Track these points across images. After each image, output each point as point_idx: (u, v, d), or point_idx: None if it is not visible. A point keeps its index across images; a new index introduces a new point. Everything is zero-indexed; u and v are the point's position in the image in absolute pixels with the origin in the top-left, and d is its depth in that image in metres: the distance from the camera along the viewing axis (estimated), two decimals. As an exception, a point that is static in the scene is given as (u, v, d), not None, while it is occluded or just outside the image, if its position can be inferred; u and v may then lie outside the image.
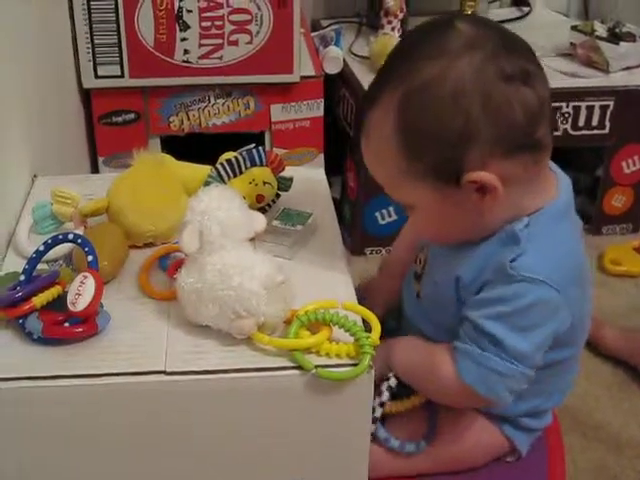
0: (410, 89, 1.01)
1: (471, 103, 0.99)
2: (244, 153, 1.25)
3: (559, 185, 1.13)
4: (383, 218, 2.28)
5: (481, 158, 1.01)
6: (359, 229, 2.30)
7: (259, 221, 1.09)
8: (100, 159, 2.12)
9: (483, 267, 1.09)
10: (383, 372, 1.14)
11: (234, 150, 1.28)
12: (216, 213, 1.02)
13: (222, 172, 1.23)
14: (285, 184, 1.28)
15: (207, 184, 1.18)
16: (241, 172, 1.24)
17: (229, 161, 1.24)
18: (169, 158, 1.28)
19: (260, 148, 1.25)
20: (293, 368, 1.00)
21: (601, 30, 2.30)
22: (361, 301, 1.12)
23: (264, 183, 1.23)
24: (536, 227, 1.07)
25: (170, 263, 1.14)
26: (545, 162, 1.09)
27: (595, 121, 2.25)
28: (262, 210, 1.23)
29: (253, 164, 1.24)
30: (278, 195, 1.28)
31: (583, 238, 1.17)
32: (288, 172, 1.30)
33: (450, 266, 1.13)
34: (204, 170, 1.25)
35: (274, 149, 2.11)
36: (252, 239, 1.08)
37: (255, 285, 0.99)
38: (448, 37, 1.02)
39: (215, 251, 1.02)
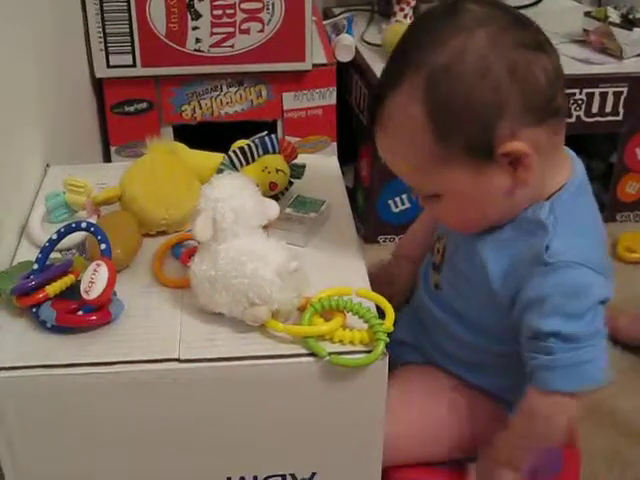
0: (433, 70, 1.00)
1: (497, 72, 0.99)
2: (257, 141, 1.25)
3: (573, 163, 1.13)
4: (396, 206, 2.27)
5: (511, 128, 1.01)
6: (372, 217, 2.30)
7: (272, 208, 1.08)
8: (112, 148, 2.12)
9: (517, 260, 1.08)
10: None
11: (246, 139, 1.27)
12: (229, 201, 1.02)
13: (235, 160, 1.23)
14: (298, 171, 1.28)
15: (220, 172, 1.18)
16: (254, 160, 1.23)
17: (242, 149, 1.24)
18: (182, 146, 1.28)
19: (273, 136, 1.25)
20: (307, 355, 1.00)
21: (614, 16, 2.29)
22: (375, 288, 1.12)
23: (277, 170, 1.23)
24: (560, 210, 1.07)
25: (183, 251, 1.14)
26: (563, 133, 1.09)
27: (609, 107, 2.23)
28: (275, 198, 1.22)
29: (266, 152, 1.24)
30: (291, 183, 1.28)
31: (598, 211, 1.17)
32: (301, 160, 1.29)
33: (476, 254, 1.12)
34: (217, 158, 1.25)
35: (286, 137, 2.11)
36: (265, 227, 1.08)
37: (269, 272, 0.99)
38: (459, 16, 1.02)
39: (228, 239, 1.02)
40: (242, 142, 1.26)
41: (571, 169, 1.12)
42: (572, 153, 1.15)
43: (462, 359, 1.19)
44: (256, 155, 1.23)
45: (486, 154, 1.02)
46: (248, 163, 1.23)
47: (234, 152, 1.24)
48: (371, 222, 2.31)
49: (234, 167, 1.22)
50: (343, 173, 1.38)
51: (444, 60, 1.00)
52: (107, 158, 2.12)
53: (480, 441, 1.22)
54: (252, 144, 1.24)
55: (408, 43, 1.07)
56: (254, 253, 1.00)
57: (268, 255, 1.01)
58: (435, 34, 1.03)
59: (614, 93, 2.21)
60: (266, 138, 1.24)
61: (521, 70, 1.00)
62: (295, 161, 1.27)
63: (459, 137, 1.02)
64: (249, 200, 1.04)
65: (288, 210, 1.22)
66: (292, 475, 1.09)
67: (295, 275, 1.02)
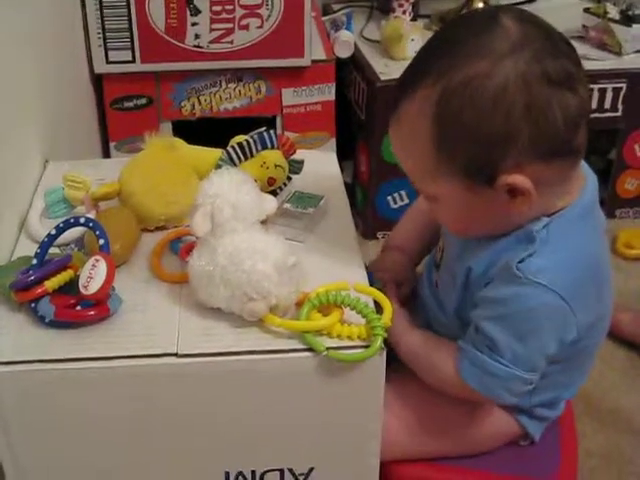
0: (451, 85, 0.98)
1: (513, 105, 0.97)
2: (255, 136, 1.24)
3: (585, 184, 1.10)
4: (395, 202, 2.28)
5: (517, 161, 0.99)
6: (371, 213, 2.30)
7: (270, 203, 1.08)
8: (112, 144, 2.12)
9: (494, 261, 1.08)
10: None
11: (245, 134, 1.27)
12: (227, 196, 1.02)
13: (233, 155, 1.23)
14: (296, 167, 1.28)
15: (218, 167, 1.19)
16: (252, 155, 1.23)
17: (240, 144, 1.24)
18: (180, 142, 1.28)
19: (271, 131, 1.25)
20: (305, 350, 1.00)
21: (614, 12, 2.29)
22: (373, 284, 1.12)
23: (275, 166, 1.23)
24: (556, 230, 1.06)
25: (182, 246, 1.14)
26: (577, 167, 1.07)
27: (608, 104, 2.24)
28: (273, 193, 1.23)
29: (264, 147, 1.24)
30: (289, 178, 1.28)
31: (605, 235, 1.15)
32: (299, 155, 1.29)
33: (464, 258, 1.12)
34: (215, 153, 1.25)
35: (285, 133, 2.11)
36: (264, 222, 1.08)
37: (267, 267, 0.99)
38: (493, 34, 0.99)
39: (226, 234, 1.02)
40: (241, 138, 1.26)
41: (580, 191, 1.09)
42: (587, 168, 1.13)
43: None
44: (255, 151, 1.23)
45: (485, 179, 1.01)
46: (247, 159, 1.23)
47: (232, 148, 1.24)
48: (370, 218, 2.31)
49: (232, 162, 1.22)
50: (342, 169, 1.38)
51: (464, 78, 0.98)
52: (106, 154, 2.12)
53: (477, 438, 1.22)
54: (251, 140, 1.24)
55: (436, 50, 1.05)
56: (252, 248, 1.00)
57: (266, 250, 1.01)
58: (465, 48, 1.00)
59: (613, 89, 2.22)
60: (265, 134, 1.24)
61: (539, 107, 0.97)
62: (294, 157, 1.27)
63: (460, 156, 1.01)
64: (247, 195, 1.04)
65: (286, 205, 1.22)
66: (290, 470, 1.09)
67: (293, 270, 1.02)
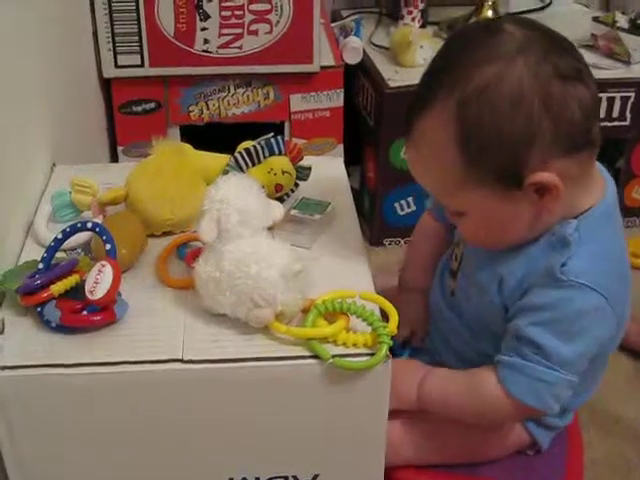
0: (466, 95, 0.99)
1: (531, 104, 0.98)
2: (263, 142, 1.24)
3: (606, 185, 1.12)
4: (402, 209, 2.28)
5: (542, 159, 1.00)
6: (378, 220, 2.30)
7: (277, 210, 1.08)
8: (119, 148, 2.13)
9: (529, 270, 1.08)
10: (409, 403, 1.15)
11: (253, 139, 1.27)
12: (234, 202, 1.02)
13: (240, 161, 1.23)
14: (303, 173, 1.28)
15: (226, 173, 1.19)
16: (260, 161, 1.23)
17: (247, 150, 1.23)
18: (188, 147, 1.28)
19: (279, 137, 1.25)
20: (310, 357, 1.00)
21: (622, 21, 2.29)
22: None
23: (283, 172, 1.23)
24: (585, 230, 1.06)
25: (188, 252, 1.14)
26: (595, 159, 1.08)
27: (616, 112, 2.23)
28: (280, 199, 1.23)
29: (272, 153, 1.24)
30: (297, 184, 1.28)
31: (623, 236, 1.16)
32: (307, 161, 1.29)
33: (494, 267, 1.12)
34: (223, 159, 1.25)
35: (293, 139, 2.11)
36: (271, 228, 1.08)
37: (273, 274, 0.99)
38: (499, 40, 1.01)
39: (233, 239, 1.02)
40: (248, 143, 1.26)
41: (603, 191, 1.10)
42: (606, 174, 1.14)
43: (473, 363, 1.19)
44: (262, 157, 1.23)
45: (514, 182, 1.02)
46: (254, 164, 1.23)
47: (240, 153, 1.23)
48: (377, 225, 2.31)
49: (240, 168, 1.22)
50: (349, 175, 1.38)
51: (479, 86, 0.99)
52: (114, 158, 2.12)
53: (485, 446, 1.22)
54: (258, 146, 1.24)
55: (444, 61, 1.06)
56: (258, 254, 1.00)
57: (272, 256, 1.01)
58: (473, 57, 1.01)
59: (621, 98, 2.21)
60: (272, 140, 1.24)
61: (556, 102, 0.99)
62: (301, 163, 1.27)
63: (488, 163, 1.01)
64: (254, 201, 1.04)
65: (293, 212, 1.22)
66: (294, 477, 1.09)
67: (299, 277, 1.02)
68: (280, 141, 1.24)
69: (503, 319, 1.12)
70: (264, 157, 1.23)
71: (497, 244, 1.12)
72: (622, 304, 1.10)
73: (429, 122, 1.03)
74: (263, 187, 1.10)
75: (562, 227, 1.07)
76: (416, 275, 1.36)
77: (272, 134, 1.26)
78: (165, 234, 1.20)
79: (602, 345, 1.09)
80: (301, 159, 1.27)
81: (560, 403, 1.10)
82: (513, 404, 1.09)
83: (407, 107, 1.07)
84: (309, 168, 1.28)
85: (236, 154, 1.24)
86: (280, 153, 1.24)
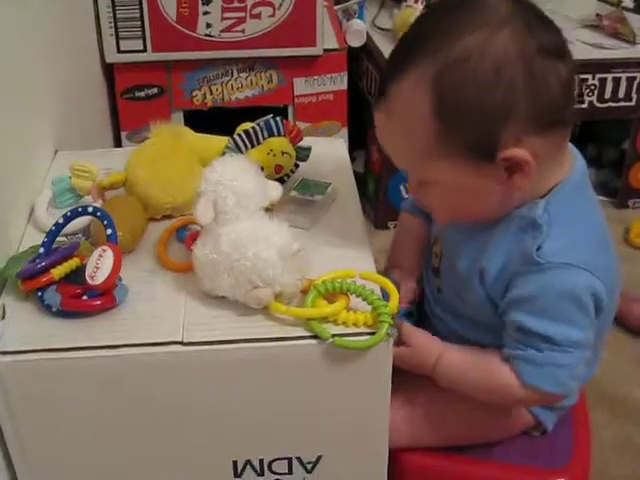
0: (447, 62, 0.98)
1: (513, 77, 0.97)
2: (262, 123, 1.24)
3: (574, 160, 1.11)
4: (407, 191, 2.27)
5: (516, 134, 0.99)
6: (383, 202, 2.29)
7: (275, 190, 1.08)
8: (123, 134, 2.13)
9: (507, 258, 1.08)
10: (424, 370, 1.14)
11: (252, 122, 1.27)
12: (230, 183, 1.02)
13: (239, 143, 1.22)
14: (303, 154, 1.27)
15: (224, 155, 1.18)
16: (259, 142, 1.23)
17: (246, 132, 1.23)
18: (187, 130, 1.28)
19: (278, 118, 1.24)
20: (311, 338, 1.00)
21: (627, 1, 2.28)
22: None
23: (282, 153, 1.23)
24: (555, 208, 1.06)
25: (187, 234, 1.14)
26: (568, 137, 1.08)
27: (622, 93, 2.22)
28: (281, 180, 1.22)
29: (271, 134, 1.23)
30: (297, 165, 1.28)
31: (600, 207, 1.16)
32: (306, 142, 1.29)
33: (473, 259, 1.12)
34: (222, 141, 1.24)
35: (297, 123, 2.11)
36: (270, 209, 1.08)
37: (271, 254, 0.99)
38: (484, 9, 1.00)
39: (230, 221, 1.02)
40: (247, 125, 1.25)
41: (571, 166, 1.10)
42: (575, 150, 1.13)
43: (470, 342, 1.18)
44: (261, 138, 1.23)
45: (486, 155, 1.01)
46: (253, 146, 1.23)
47: (239, 135, 1.23)
48: (381, 207, 2.30)
49: (239, 150, 1.22)
50: (354, 158, 1.38)
51: (461, 54, 0.97)
52: (118, 143, 2.12)
53: (489, 427, 1.22)
54: (257, 127, 1.23)
55: (424, 28, 1.05)
56: (256, 235, 1.00)
57: (270, 237, 1.00)
58: (455, 24, 1.00)
59: (627, 79, 2.20)
60: (271, 121, 1.23)
61: (538, 77, 0.98)
62: (301, 143, 1.27)
63: (462, 133, 1.00)
64: (250, 182, 1.03)
65: (293, 193, 1.22)
66: (298, 458, 1.09)
67: (298, 257, 1.01)
68: (279, 122, 1.24)
69: (492, 310, 1.12)
70: (263, 138, 1.23)
71: (464, 218, 1.11)
72: (608, 272, 1.09)
73: (406, 86, 1.02)
74: (262, 169, 1.10)
75: (530, 210, 1.06)
76: (402, 255, 1.35)
77: (271, 115, 1.26)
78: (165, 217, 1.19)
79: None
80: (300, 139, 1.27)
81: (579, 382, 1.11)
82: (532, 394, 1.09)
83: (383, 71, 1.06)
84: (309, 149, 1.28)
85: (235, 136, 1.23)
86: (279, 134, 1.24)
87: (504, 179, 1.02)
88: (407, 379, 1.14)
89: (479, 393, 1.14)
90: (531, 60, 0.98)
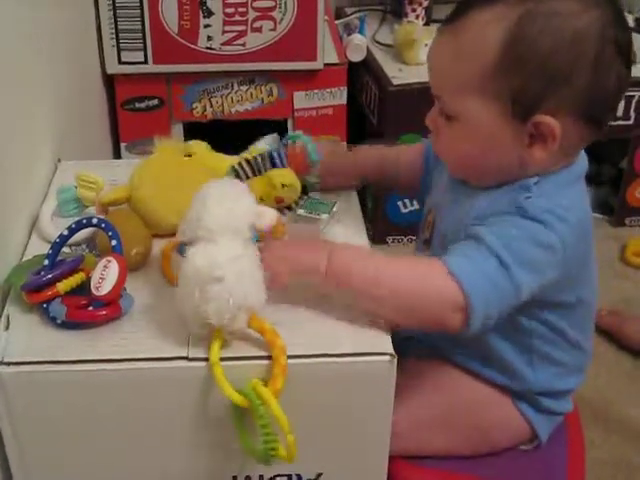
0: (534, 11, 1.00)
1: (586, 53, 1.00)
2: (266, 154, 1.23)
3: (580, 159, 1.12)
4: (405, 206, 2.28)
5: (558, 107, 1.02)
6: (381, 218, 2.30)
7: (267, 217, 1.03)
8: (122, 145, 2.13)
9: (491, 209, 1.07)
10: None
11: (257, 136, 1.27)
12: (213, 207, 0.99)
13: (240, 172, 1.21)
14: (310, 185, 1.26)
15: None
16: (260, 173, 1.22)
17: (247, 161, 1.22)
18: (203, 145, 1.27)
19: (281, 151, 1.23)
20: (314, 357, 1.00)
21: (628, 20, 2.28)
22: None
23: (282, 186, 1.21)
24: (546, 184, 1.07)
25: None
26: (592, 140, 1.10)
27: (620, 112, 2.23)
28: (289, 208, 1.22)
29: (273, 166, 1.22)
30: (305, 192, 1.25)
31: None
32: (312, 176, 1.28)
33: (458, 212, 1.11)
34: (229, 161, 1.24)
35: (298, 131, 2.11)
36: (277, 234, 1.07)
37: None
38: None
39: (202, 244, 0.99)
40: (252, 152, 1.25)
41: (573, 162, 1.11)
42: (583, 153, 1.14)
43: (464, 344, 1.18)
44: (263, 169, 1.22)
45: (522, 112, 1.02)
46: (255, 175, 1.22)
47: (240, 165, 1.22)
48: (380, 223, 2.31)
49: (239, 179, 1.20)
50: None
51: (550, 10, 1.00)
52: (117, 154, 2.12)
53: (488, 435, 1.22)
54: (259, 157, 1.23)
55: None
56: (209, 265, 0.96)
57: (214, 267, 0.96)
58: None
59: (626, 97, 2.21)
60: (274, 153, 1.22)
61: (604, 65, 1.01)
62: (308, 176, 1.25)
63: (513, 80, 1.02)
64: (236, 208, 1.00)
65: (300, 211, 1.21)
66: (298, 475, 1.09)
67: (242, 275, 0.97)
68: (281, 154, 1.22)
69: None
70: (265, 170, 1.22)
71: (469, 171, 1.12)
72: (582, 261, 1.11)
73: (488, 16, 1.03)
74: (263, 199, 1.13)
75: (524, 180, 1.07)
76: (366, 155, 1.34)
77: (271, 144, 1.25)
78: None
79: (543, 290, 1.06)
80: (310, 168, 1.24)
81: (485, 320, 1.03)
82: (447, 289, 1.01)
83: None
84: (317, 182, 1.26)
85: (236, 165, 1.23)
86: (282, 166, 1.22)
87: (524, 145, 1.04)
88: (407, 389, 1.15)
89: (400, 284, 1.04)
90: (605, 47, 1.00)
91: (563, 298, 1.13)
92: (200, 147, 1.28)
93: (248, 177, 1.22)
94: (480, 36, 1.03)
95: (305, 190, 1.26)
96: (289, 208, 1.24)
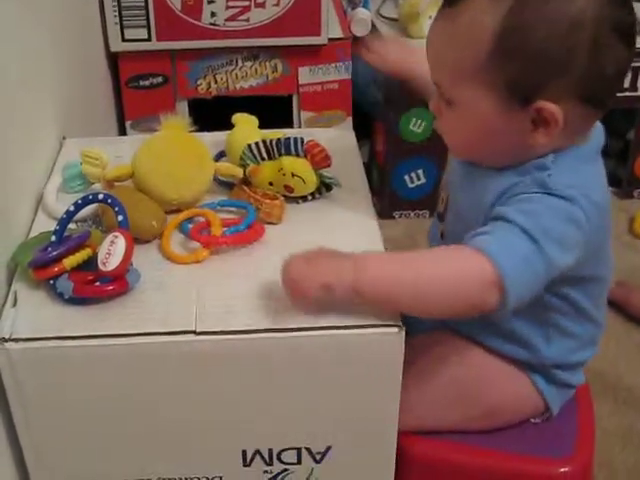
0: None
1: (582, 39, 0.99)
2: (282, 139, 1.20)
3: (593, 130, 1.11)
4: (412, 181, 2.27)
5: (559, 92, 1.01)
6: (388, 193, 2.30)
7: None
8: (127, 123, 2.12)
9: (508, 189, 1.06)
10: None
11: (264, 111, 1.26)
12: None
13: (255, 152, 1.20)
14: (327, 182, 1.23)
15: (241, 160, 1.20)
16: (274, 157, 1.20)
17: (264, 142, 1.21)
18: (250, 120, 1.30)
19: (298, 138, 1.20)
20: (323, 329, 0.99)
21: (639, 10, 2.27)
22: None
23: (292, 175, 1.19)
24: (562, 161, 1.06)
25: (191, 227, 1.13)
26: (599, 118, 1.10)
27: (627, 83, 2.22)
28: (304, 199, 1.22)
29: (288, 152, 1.20)
30: (320, 191, 1.23)
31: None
32: (318, 132, 1.28)
33: (479, 202, 1.10)
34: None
35: (302, 112, 2.11)
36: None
37: None
38: None
39: None
40: (275, 133, 1.25)
41: (588, 136, 1.10)
42: (598, 124, 1.13)
43: (479, 319, 1.16)
44: (276, 153, 1.20)
45: (522, 98, 1.02)
46: (270, 158, 1.20)
47: (257, 144, 1.21)
48: (386, 198, 2.31)
49: (255, 159, 1.20)
50: (358, 148, 1.37)
51: None
52: (122, 132, 2.12)
53: (497, 408, 1.22)
54: (275, 141, 1.20)
55: None
56: None
57: None
58: None
59: (633, 68, 2.20)
60: (291, 139, 1.20)
61: (602, 49, 1.00)
62: (324, 172, 1.22)
63: (510, 68, 1.01)
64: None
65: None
66: (307, 449, 1.09)
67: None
68: (299, 142, 1.19)
69: None
70: (279, 154, 1.20)
71: (474, 155, 1.12)
72: (600, 235, 1.10)
73: (479, 4, 1.02)
74: (272, 184, 1.14)
75: (538, 161, 1.06)
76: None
77: (293, 137, 1.21)
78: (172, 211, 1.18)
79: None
80: (326, 165, 1.20)
81: (517, 300, 1.01)
82: (481, 269, 0.99)
83: None
84: (335, 184, 1.23)
85: (253, 144, 1.21)
86: (297, 154, 1.20)
87: (527, 130, 1.04)
88: (416, 359, 1.14)
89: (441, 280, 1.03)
90: (602, 29, 0.99)
91: (584, 273, 1.12)
92: (248, 120, 1.30)
93: (263, 159, 1.21)
94: (476, 22, 1.02)
95: (329, 187, 1.23)
96: (304, 199, 1.23)
